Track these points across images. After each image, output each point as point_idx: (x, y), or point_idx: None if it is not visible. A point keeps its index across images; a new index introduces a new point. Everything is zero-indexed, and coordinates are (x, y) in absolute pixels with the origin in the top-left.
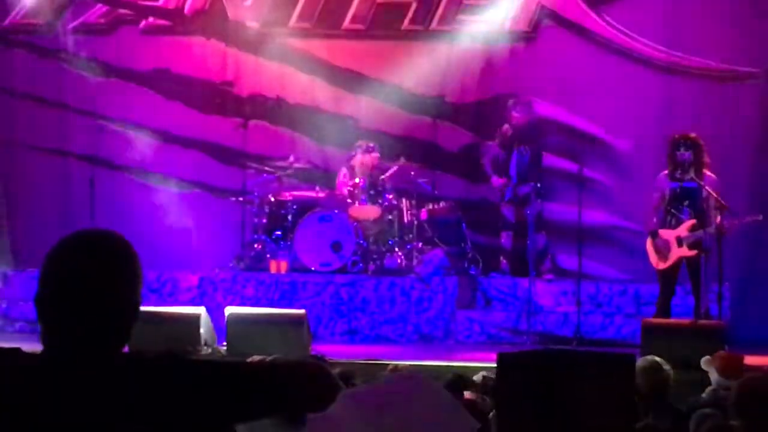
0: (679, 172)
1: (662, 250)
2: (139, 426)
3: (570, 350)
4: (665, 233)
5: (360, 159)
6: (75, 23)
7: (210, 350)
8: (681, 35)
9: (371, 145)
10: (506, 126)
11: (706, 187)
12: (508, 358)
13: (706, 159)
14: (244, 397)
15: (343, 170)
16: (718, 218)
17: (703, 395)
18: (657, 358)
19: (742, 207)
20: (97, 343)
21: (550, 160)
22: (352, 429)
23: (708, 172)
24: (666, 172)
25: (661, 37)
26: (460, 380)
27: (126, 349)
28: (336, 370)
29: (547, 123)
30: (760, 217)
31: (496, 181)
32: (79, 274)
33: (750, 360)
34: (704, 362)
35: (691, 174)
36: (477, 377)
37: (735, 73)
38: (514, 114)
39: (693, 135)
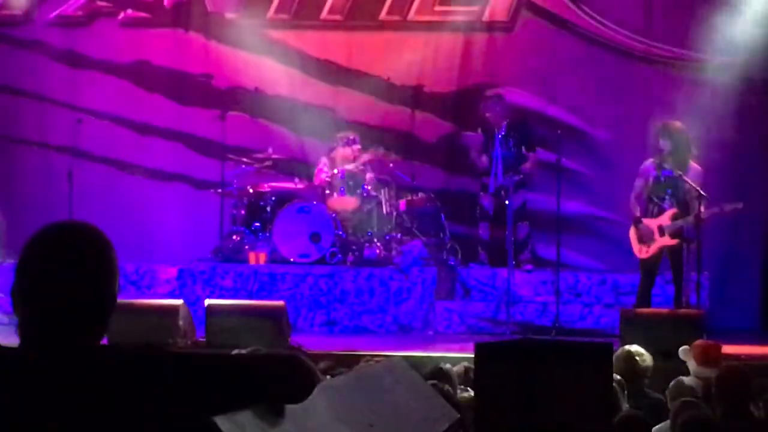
0: (660, 160)
1: (645, 239)
2: (117, 418)
3: (547, 340)
4: (648, 222)
5: (341, 151)
6: (53, 15)
7: (189, 342)
8: (658, 25)
9: (352, 137)
10: (485, 119)
11: (684, 177)
12: (485, 349)
13: (692, 149)
14: (223, 388)
15: (323, 161)
16: (699, 208)
17: (669, 387)
18: (636, 348)
19: (721, 195)
20: (74, 335)
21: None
22: (330, 419)
23: (693, 163)
24: (651, 160)
25: (638, 27)
26: (439, 371)
27: (105, 341)
28: (319, 366)
29: (526, 113)
30: (740, 206)
31: (481, 179)
32: (55, 266)
33: (728, 349)
34: (682, 352)
35: (672, 163)
36: (457, 368)
37: (710, 62)
38: (486, 114)
39: (676, 125)
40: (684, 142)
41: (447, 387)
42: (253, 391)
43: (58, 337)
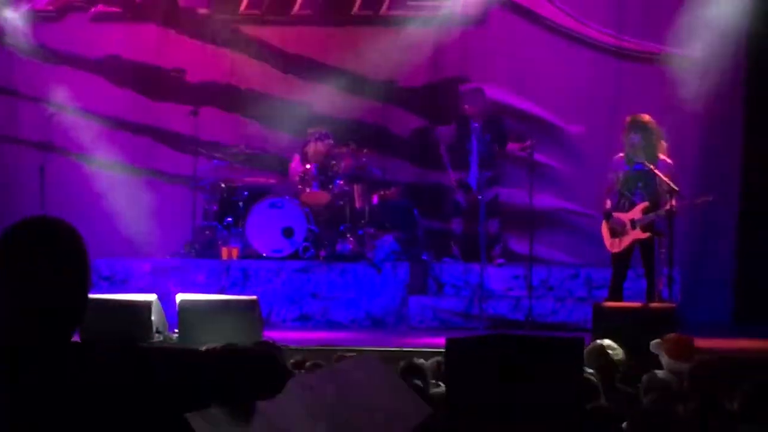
0: (631, 154)
1: (617, 233)
2: (88, 415)
3: (517, 335)
4: (619, 216)
5: (313, 146)
6: (24, 9)
7: (162, 337)
8: (630, 19)
9: (325, 132)
10: (463, 112)
11: (656, 171)
12: (456, 344)
13: (662, 143)
14: (194, 384)
15: (296, 156)
16: (671, 201)
17: (642, 380)
18: (607, 341)
19: (693, 188)
20: (45, 332)
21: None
22: (302, 415)
23: (663, 156)
24: (622, 154)
25: (610, 22)
26: (412, 366)
27: (77, 337)
28: (292, 360)
29: (498, 107)
30: (711, 198)
31: (453, 175)
32: (25, 262)
33: (700, 342)
34: (654, 345)
35: (643, 157)
36: (430, 362)
37: (681, 56)
38: (466, 107)
39: (645, 118)
40: (654, 135)
41: (419, 382)
42: (224, 386)
43: (28, 334)
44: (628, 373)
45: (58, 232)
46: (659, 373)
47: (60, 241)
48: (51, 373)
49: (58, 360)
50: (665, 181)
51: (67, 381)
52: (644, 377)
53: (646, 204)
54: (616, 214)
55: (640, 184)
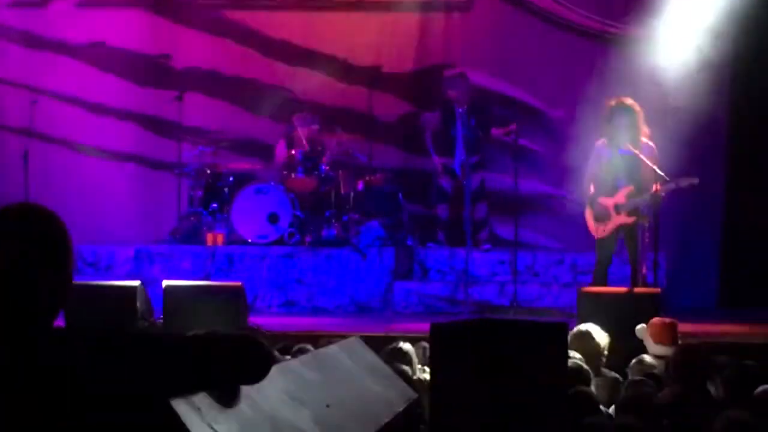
0: (615, 139)
1: (601, 218)
2: (73, 400)
3: (502, 319)
4: (603, 200)
5: (299, 131)
6: None
7: (147, 323)
8: (615, 3)
9: (310, 116)
10: (447, 98)
11: (642, 156)
12: (440, 328)
13: (644, 127)
14: (179, 370)
15: (282, 141)
16: (655, 185)
17: (630, 364)
18: (591, 326)
19: (678, 172)
20: (27, 318)
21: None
22: (287, 400)
23: (645, 140)
24: (604, 140)
25: (595, 6)
26: (398, 351)
27: (62, 323)
28: (277, 346)
29: (483, 93)
30: (696, 181)
31: (438, 160)
32: (8, 248)
33: (684, 327)
34: (638, 330)
35: (627, 141)
36: (415, 348)
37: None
38: (450, 92)
39: (629, 101)
40: (638, 118)
41: (405, 367)
42: (208, 372)
43: (10, 320)
44: (612, 358)
45: (39, 218)
46: (646, 357)
47: (41, 227)
48: (31, 359)
49: (39, 345)
50: (649, 165)
51: (48, 366)
52: (633, 361)
53: (630, 188)
54: (600, 199)
55: (623, 169)
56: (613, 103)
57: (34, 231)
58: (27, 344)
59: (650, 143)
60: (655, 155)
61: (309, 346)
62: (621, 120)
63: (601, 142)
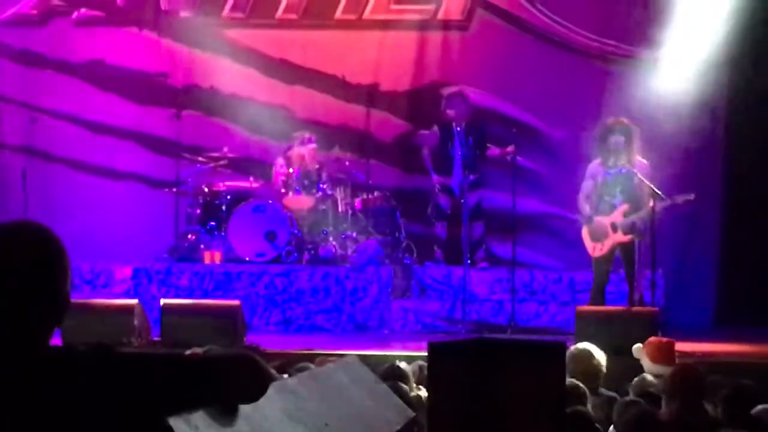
0: (612, 158)
1: (598, 237)
2: (70, 420)
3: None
4: (600, 220)
5: (297, 150)
6: (7, 14)
7: (144, 342)
8: (613, 23)
9: (308, 136)
10: (446, 117)
11: (639, 174)
12: (437, 348)
13: (636, 143)
14: (176, 389)
15: (280, 160)
16: (651, 203)
17: (632, 383)
18: (589, 345)
19: (675, 190)
20: (27, 336)
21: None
22: (284, 419)
23: (639, 158)
24: (599, 160)
25: (593, 26)
26: (395, 369)
27: (60, 341)
28: (274, 363)
29: (482, 112)
30: (692, 197)
31: (437, 179)
32: (5, 266)
33: (681, 346)
34: (635, 350)
35: (624, 160)
36: (412, 366)
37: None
38: (448, 111)
39: (624, 121)
40: (633, 136)
41: (402, 385)
42: (206, 392)
43: (6, 338)
44: (610, 377)
45: (38, 237)
46: (648, 376)
47: (40, 246)
48: (27, 379)
49: (35, 365)
50: (645, 182)
51: (48, 386)
52: (635, 380)
53: (626, 206)
54: (596, 218)
55: (619, 188)
56: (612, 122)
57: (30, 249)
58: (22, 363)
59: (644, 161)
60: (650, 172)
61: (310, 365)
62: (615, 139)
63: (594, 163)
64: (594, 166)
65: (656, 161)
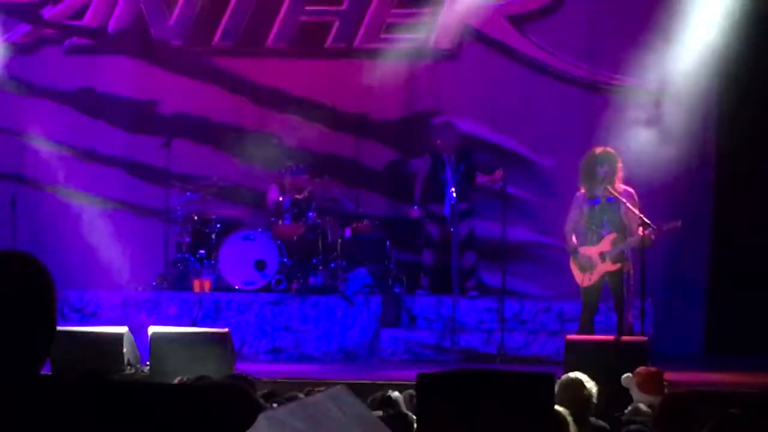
0: (599, 188)
1: (586, 268)
2: None
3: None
4: (587, 250)
5: (288, 179)
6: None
7: (133, 370)
8: (602, 52)
9: (300, 166)
10: (435, 146)
11: (625, 202)
12: (427, 379)
13: (620, 172)
14: (166, 418)
15: (274, 187)
16: (640, 230)
17: (625, 412)
18: (579, 375)
19: (663, 218)
20: (10, 365)
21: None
22: None
23: (622, 185)
24: (583, 191)
25: (583, 55)
26: (384, 398)
27: (48, 370)
28: (263, 391)
29: (471, 140)
30: (679, 224)
31: (418, 210)
32: None
33: (671, 375)
34: (624, 379)
35: (607, 188)
36: (403, 395)
37: (652, 88)
38: (438, 141)
39: (611, 149)
40: (617, 165)
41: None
42: (195, 421)
43: None
44: (599, 407)
45: (23, 266)
46: (642, 405)
47: (23, 275)
48: (15, 408)
49: (23, 394)
50: (632, 210)
51: (35, 416)
52: (629, 409)
53: (614, 235)
54: (582, 250)
55: (606, 217)
56: (599, 151)
57: (17, 279)
58: (12, 393)
59: (630, 189)
60: (634, 198)
61: (299, 394)
62: (600, 169)
63: (581, 193)
64: (579, 196)
65: (644, 190)
